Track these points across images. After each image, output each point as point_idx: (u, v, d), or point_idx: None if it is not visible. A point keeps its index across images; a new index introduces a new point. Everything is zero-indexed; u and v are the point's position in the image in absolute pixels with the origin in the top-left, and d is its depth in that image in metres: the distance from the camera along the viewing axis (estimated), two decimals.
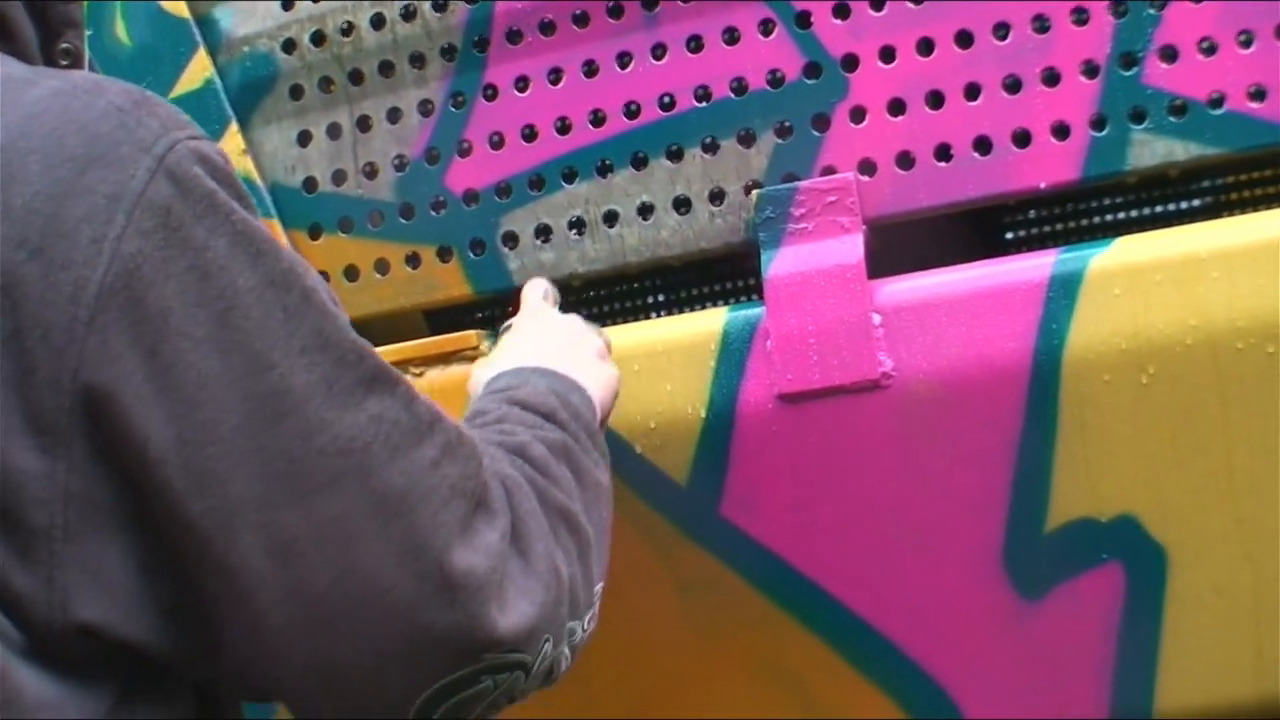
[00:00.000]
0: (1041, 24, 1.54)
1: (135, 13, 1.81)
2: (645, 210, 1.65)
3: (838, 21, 1.58)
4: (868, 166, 1.57)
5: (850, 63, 1.58)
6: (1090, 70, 1.53)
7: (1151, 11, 1.51)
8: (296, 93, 1.76)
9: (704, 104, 1.63)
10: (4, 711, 0.96)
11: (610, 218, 1.66)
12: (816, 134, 1.59)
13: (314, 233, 1.75)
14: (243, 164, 1.75)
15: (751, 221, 1.60)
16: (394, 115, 1.73)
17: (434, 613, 1.03)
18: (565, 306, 1.53)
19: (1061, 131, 1.53)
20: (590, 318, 1.50)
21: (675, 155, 1.64)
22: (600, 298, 1.89)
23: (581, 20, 1.66)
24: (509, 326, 1.47)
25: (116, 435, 0.97)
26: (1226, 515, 1.50)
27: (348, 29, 1.74)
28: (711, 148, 1.63)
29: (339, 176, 1.75)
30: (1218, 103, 1.50)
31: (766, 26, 1.61)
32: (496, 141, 1.69)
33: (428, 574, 1.02)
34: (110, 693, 1.00)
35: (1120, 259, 1.48)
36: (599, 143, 1.65)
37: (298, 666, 1.03)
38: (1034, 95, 1.54)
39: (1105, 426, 1.49)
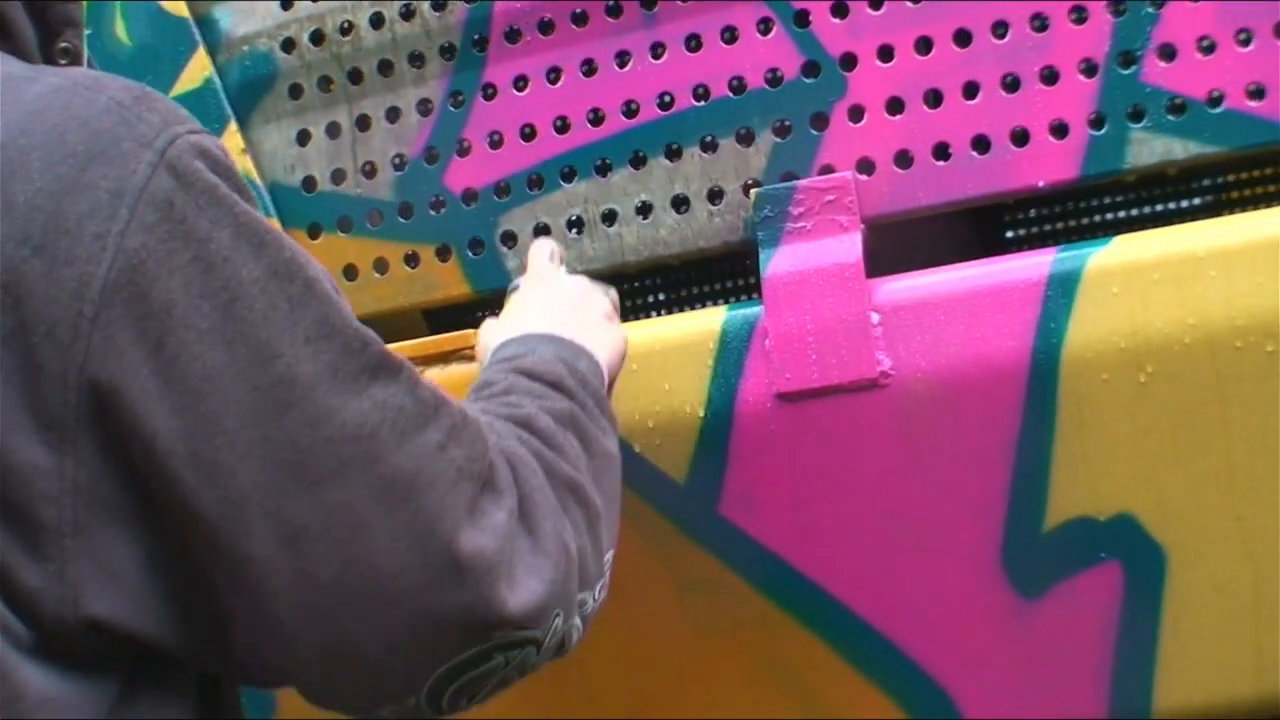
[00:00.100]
0: (1040, 22, 1.54)
1: (135, 12, 1.81)
2: (644, 209, 1.65)
3: (836, 20, 1.59)
4: (866, 165, 1.57)
5: (849, 62, 1.58)
6: (1089, 69, 1.53)
7: (1150, 10, 1.51)
8: (296, 92, 1.76)
9: (702, 103, 1.63)
10: (6, 709, 0.96)
11: (609, 217, 1.66)
12: (815, 133, 1.59)
13: (313, 232, 1.75)
14: (242, 163, 1.75)
15: (750, 220, 1.60)
16: (393, 114, 1.73)
17: (444, 595, 1.03)
18: None
19: (1060, 130, 1.53)
20: None
21: (674, 154, 1.64)
22: None
23: (580, 19, 1.66)
24: (516, 287, 1.47)
25: (124, 429, 0.97)
26: (1226, 514, 1.49)
27: (347, 28, 1.74)
28: (710, 147, 1.63)
29: (338, 176, 1.75)
30: (1216, 101, 1.50)
31: (765, 25, 1.61)
32: (495, 141, 1.69)
33: (437, 557, 1.03)
34: (112, 690, 1.01)
35: (1118, 258, 1.48)
36: (598, 142, 1.65)
37: (309, 652, 1.04)
38: (1032, 94, 1.54)
39: (1104, 425, 1.49)
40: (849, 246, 1.54)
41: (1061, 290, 1.49)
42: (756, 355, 1.55)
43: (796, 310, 1.53)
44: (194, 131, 1.02)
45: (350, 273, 1.73)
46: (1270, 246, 1.44)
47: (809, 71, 1.60)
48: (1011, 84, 1.54)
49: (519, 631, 1.07)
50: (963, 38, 1.55)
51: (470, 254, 1.69)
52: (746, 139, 1.61)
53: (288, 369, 1.00)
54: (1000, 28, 1.55)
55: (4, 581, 0.97)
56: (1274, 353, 1.45)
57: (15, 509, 0.96)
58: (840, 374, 1.52)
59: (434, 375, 1.62)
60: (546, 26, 1.67)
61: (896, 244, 1.62)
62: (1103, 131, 1.52)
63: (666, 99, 1.64)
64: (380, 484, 1.02)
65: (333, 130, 1.75)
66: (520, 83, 1.68)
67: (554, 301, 1.40)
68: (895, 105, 1.57)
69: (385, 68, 1.73)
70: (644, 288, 1.92)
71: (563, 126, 1.67)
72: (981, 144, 1.55)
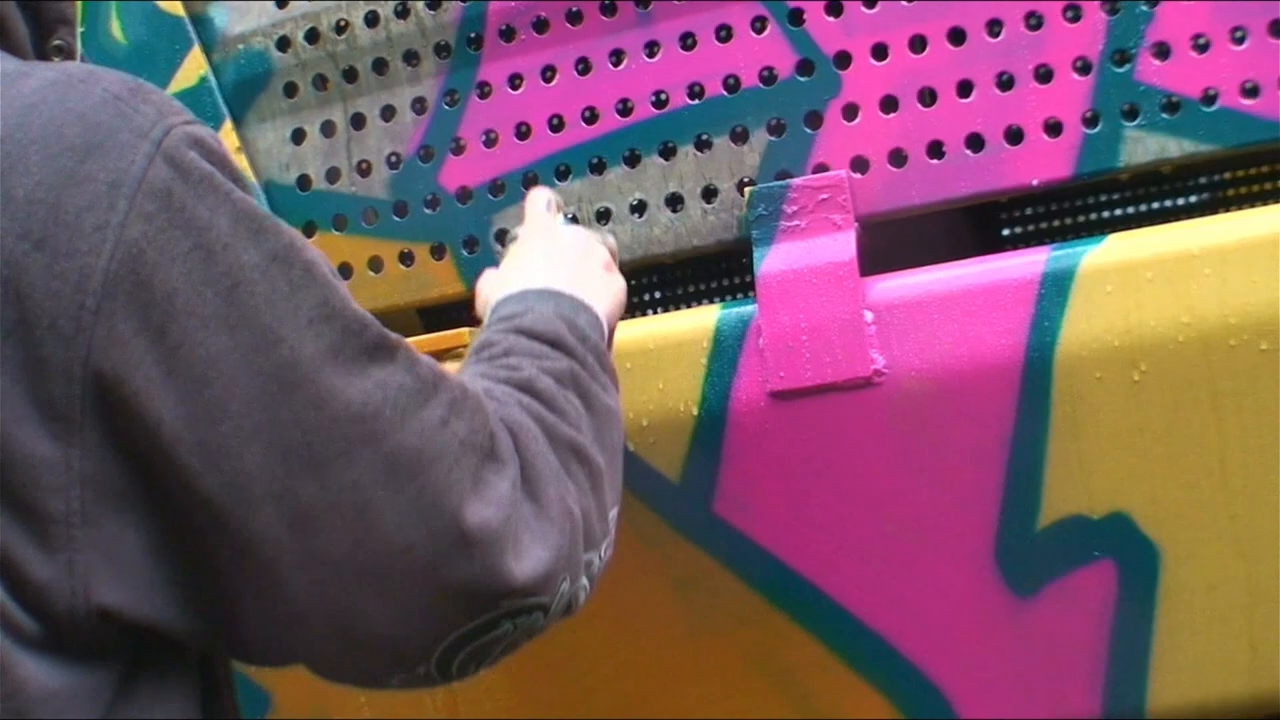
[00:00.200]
0: (1034, 21, 1.54)
1: (130, 11, 1.81)
2: (638, 208, 1.65)
3: (830, 19, 1.58)
4: (860, 164, 1.57)
5: (843, 60, 1.58)
6: (1083, 67, 1.53)
7: (1144, 8, 1.51)
8: (291, 90, 1.76)
9: (697, 101, 1.63)
10: (6, 704, 0.96)
11: (603, 215, 1.66)
12: (809, 131, 1.59)
13: (308, 231, 1.75)
14: (238, 161, 1.75)
15: (744, 219, 1.60)
16: (388, 113, 1.73)
17: (452, 568, 1.05)
18: None
19: (1054, 128, 1.53)
20: None
21: (668, 153, 1.64)
22: None
23: (575, 18, 1.66)
24: (515, 237, 1.47)
25: (129, 419, 0.98)
26: (1219, 512, 1.50)
27: (342, 27, 1.74)
28: (704, 145, 1.63)
29: (333, 174, 1.75)
30: (1211, 99, 1.50)
31: (759, 24, 1.61)
32: (490, 139, 1.69)
33: (444, 531, 1.04)
34: (111, 686, 1.01)
35: (1112, 256, 1.48)
36: (592, 140, 1.65)
37: (319, 630, 1.05)
38: (1027, 92, 1.54)
39: (1098, 424, 1.49)
40: (843, 245, 1.54)
41: (1055, 289, 1.49)
42: (750, 354, 1.55)
43: (790, 309, 1.53)
44: (188, 122, 1.02)
45: (345, 271, 1.73)
46: (1264, 245, 1.45)
47: (803, 70, 1.60)
48: (1006, 82, 1.54)
49: (527, 599, 1.09)
50: (957, 36, 1.55)
51: (465, 252, 1.69)
52: (741, 137, 1.61)
53: (291, 352, 1.01)
54: (995, 26, 1.55)
55: (12, 577, 0.97)
56: (1268, 351, 1.45)
57: (22, 502, 0.97)
58: (834, 372, 1.52)
59: None
60: (541, 25, 1.67)
61: (894, 242, 1.62)
62: (1097, 130, 1.52)
63: (661, 97, 1.64)
64: (386, 462, 1.03)
65: (328, 129, 1.75)
66: (515, 81, 1.68)
67: (552, 253, 1.40)
68: (890, 104, 1.57)
69: (380, 66, 1.73)
70: (639, 286, 1.92)
71: (558, 125, 1.67)
72: (976, 142, 1.55)
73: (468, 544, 1.05)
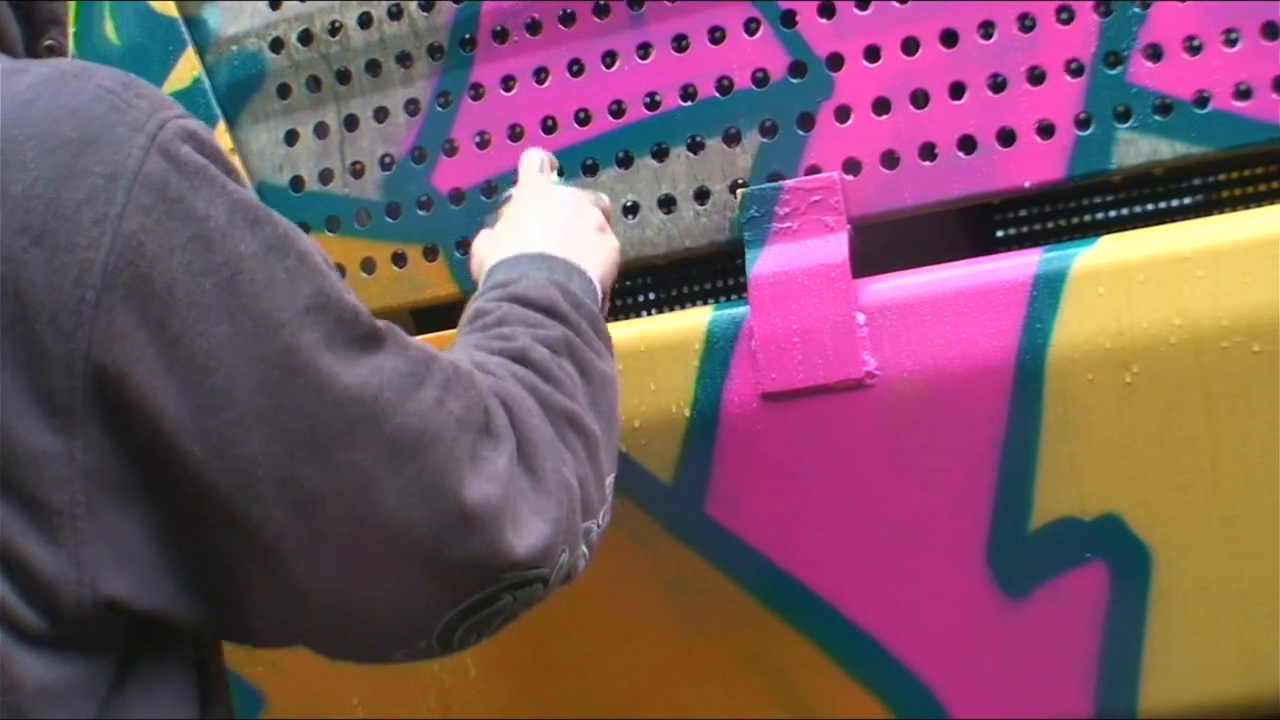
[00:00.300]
0: (1027, 23, 1.54)
1: (124, 12, 1.81)
2: (631, 209, 1.65)
3: (823, 21, 1.58)
4: (853, 165, 1.57)
5: (835, 62, 1.58)
6: (1075, 69, 1.53)
7: (1137, 10, 1.51)
8: (284, 92, 1.76)
9: (689, 103, 1.63)
10: (3, 700, 0.97)
11: None
12: (801, 133, 1.59)
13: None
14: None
15: (736, 220, 1.60)
16: (381, 114, 1.73)
17: (453, 545, 1.06)
18: None
19: (1046, 130, 1.53)
20: None
21: (660, 154, 1.64)
22: None
23: (568, 19, 1.66)
24: (508, 198, 1.47)
25: (131, 411, 0.99)
26: (1211, 514, 1.50)
27: (335, 28, 1.74)
28: (697, 147, 1.63)
29: (326, 175, 1.75)
30: (1203, 101, 1.50)
31: (752, 25, 1.61)
32: (483, 141, 1.69)
33: (445, 509, 1.05)
34: (107, 680, 1.02)
35: (1104, 258, 1.49)
36: (585, 142, 1.65)
37: (322, 610, 1.06)
38: (1019, 94, 1.54)
39: (1089, 425, 1.49)
40: (835, 247, 1.54)
41: (1047, 290, 1.49)
42: (742, 355, 1.55)
43: (782, 310, 1.53)
44: (181, 116, 1.03)
45: (338, 273, 1.73)
46: (1256, 247, 1.45)
47: (796, 72, 1.60)
48: (998, 84, 1.54)
49: (527, 571, 1.10)
50: (949, 38, 1.55)
51: (457, 254, 1.70)
52: (733, 139, 1.61)
53: (291, 339, 1.01)
54: (987, 28, 1.55)
55: (17, 572, 0.98)
56: (1260, 353, 1.45)
57: (26, 496, 0.98)
58: (826, 374, 1.52)
59: None
60: (534, 26, 1.67)
61: (890, 243, 1.62)
62: (1089, 132, 1.52)
63: (654, 99, 1.64)
64: (388, 443, 1.04)
65: (321, 130, 1.75)
66: (508, 83, 1.68)
67: (546, 215, 1.41)
68: (882, 105, 1.57)
69: (373, 68, 1.73)
70: (631, 287, 1.92)
71: (550, 126, 1.67)
72: (968, 144, 1.55)
73: (468, 521, 1.06)
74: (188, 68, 1.78)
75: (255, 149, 1.77)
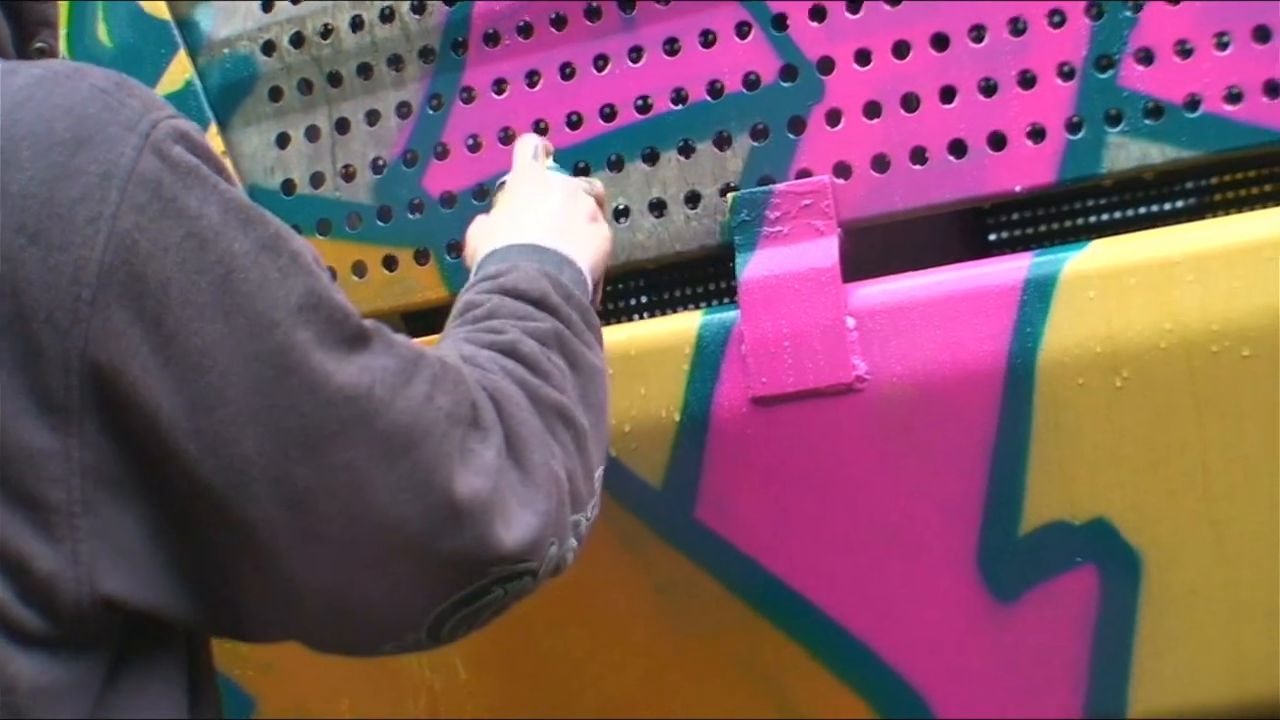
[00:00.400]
0: (1018, 26, 1.54)
1: (116, 14, 1.81)
2: (622, 213, 1.65)
3: (814, 24, 1.58)
4: (843, 169, 1.57)
5: (826, 65, 1.58)
6: (1066, 73, 1.53)
7: (1128, 14, 1.51)
8: (276, 95, 1.76)
9: (680, 107, 1.63)
10: (1, 699, 0.97)
11: None
12: (792, 137, 1.59)
13: None
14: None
15: (727, 224, 1.60)
16: (372, 117, 1.73)
17: (444, 540, 1.07)
18: None
19: (1037, 134, 1.53)
20: None
21: (651, 158, 1.64)
22: None
23: (559, 23, 1.66)
24: (502, 184, 1.47)
25: (127, 408, 0.99)
26: (1201, 518, 1.50)
27: (327, 31, 1.74)
28: (688, 150, 1.63)
29: (317, 179, 1.75)
30: (1194, 105, 1.50)
31: (743, 29, 1.61)
32: (474, 144, 1.69)
33: (436, 505, 1.06)
34: (100, 679, 1.02)
35: (1095, 262, 1.48)
36: (575, 145, 1.65)
37: (316, 605, 1.07)
38: (1010, 98, 1.53)
39: (1080, 430, 1.49)
40: (825, 251, 1.54)
41: (1038, 294, 1.49)
42: (733, 360, 1.55)
43: (772, 314, 1.53)
44: (173, 116, 1.04)
45: (329, 273, 1.73)
46: (1247, 251, 1.45)
47: (787, 75, 1.60)
48: (989, 88, 1.54)
49: (516, 565, 1.11)
50: (940, 41, 1.55)
51: (449, 257, 1.70)
52: (724, 143, 1.61)
53: (285, 338, 1.02)
54: (978, 31, 1.54)
55: (15, 571, 0.98)
56: (1250, 357, 1.45)
57: (24, 494, 0.98)
58: (816, 378, 1.52)
59: None
60: (525, 30, 1.67)
61: (884, 247, 1.62)
62: (1080, 136, 1.52)
63: (645, 102, 1.64)
64: (380, 440, 1.05)
65: (312, 133, 1.75)
66: (499, 86, 1.68)
67: (539, 203, 1.41)
68: (872, 109, 1.57)
69: (365, 71, 1.73)
70: (622, 291, 1.92)
71: (541, 130, 1.66)
72: (959, 148, 1.55)
73: (459, 515, 1.07)
74: (179, 70, 1.78)
75: (247, 152, 1.77)
